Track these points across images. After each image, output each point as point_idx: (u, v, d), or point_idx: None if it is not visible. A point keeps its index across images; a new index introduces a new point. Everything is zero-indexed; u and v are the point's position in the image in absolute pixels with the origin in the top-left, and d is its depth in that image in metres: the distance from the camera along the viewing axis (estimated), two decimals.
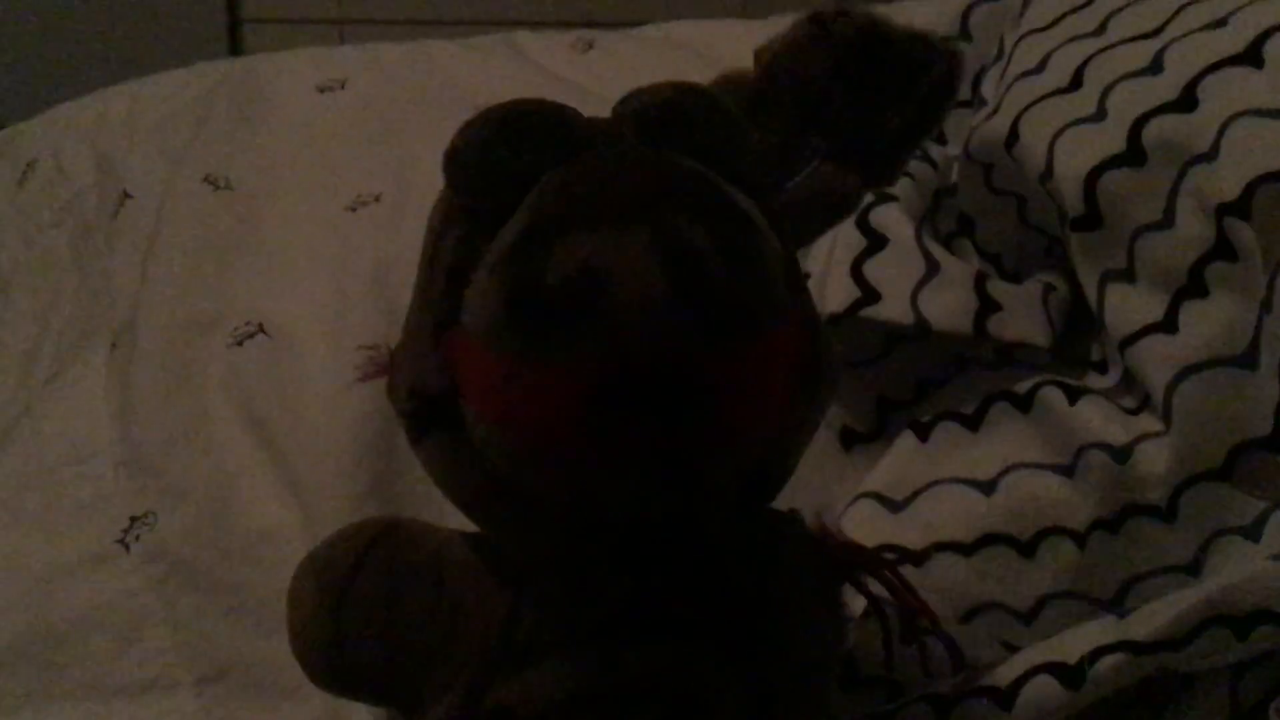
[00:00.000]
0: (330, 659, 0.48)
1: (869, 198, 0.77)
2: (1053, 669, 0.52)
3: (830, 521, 0.55)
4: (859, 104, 0.54)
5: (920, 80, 0.55)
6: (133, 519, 0.74)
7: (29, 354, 0.96)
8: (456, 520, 0.50)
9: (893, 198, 0.77)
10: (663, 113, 0.44)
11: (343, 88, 1.12)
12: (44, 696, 0.65)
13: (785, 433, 0.46)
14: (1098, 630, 0.53)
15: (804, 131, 0.54)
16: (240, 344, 0.84)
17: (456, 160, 0.43)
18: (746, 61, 0.56)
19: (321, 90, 1.12)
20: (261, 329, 0.84)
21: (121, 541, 0.72)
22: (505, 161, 0.42)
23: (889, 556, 0.56)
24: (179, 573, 0.70)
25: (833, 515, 0.68)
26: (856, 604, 0.62)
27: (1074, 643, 0.53)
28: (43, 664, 0.66)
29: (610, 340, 0.38)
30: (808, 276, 0.76)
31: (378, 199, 0.94)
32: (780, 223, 0.46)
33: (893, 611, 0.56)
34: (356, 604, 0.47)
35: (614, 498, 0.42)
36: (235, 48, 2.73)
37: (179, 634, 0.68)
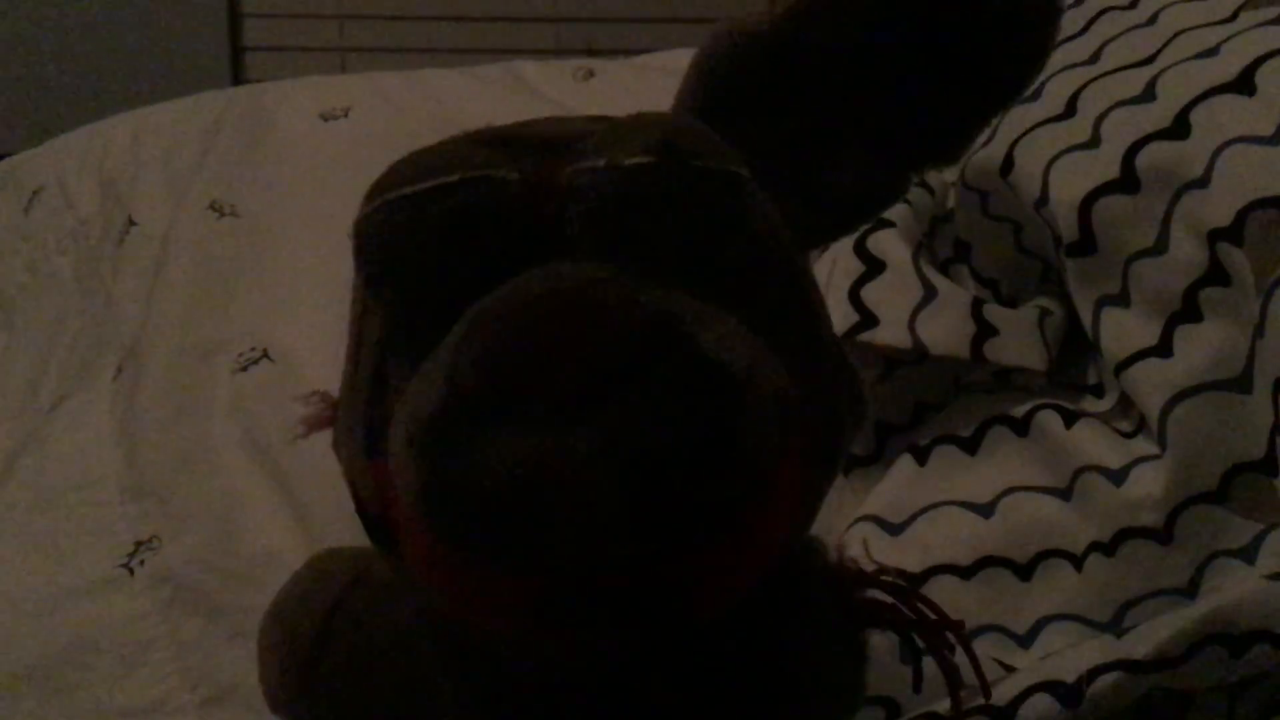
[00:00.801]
0: None
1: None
2: (1051, 688, 0.52)
3: (849, 552, 0.48)
4: (905, 69, 0.41)
5: (992, 35, 0.41)
6: (138, 543, 0.74)
7: (34, 380, 0.97)
8: None
9: (890, 224, 0.77)
10: (623, 210, 0.35)
11: (346, 116, 1.13)
12: None
13: (805, 518, 0.40)
14: (1096, 649, 0.53)
15: (836, 111, 0.42)
16: (245, 369, 0.84)
17: (360, 243, 0.36)
18: None
19: (325, 119, 1.13)
20: (266, 354, 0.85)
21: (126, 566, 0.73)
22: (414, 256, 0.35)
23: (899, 582, 0.49)
24: (183, 596, 0.70)
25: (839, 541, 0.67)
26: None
27: (1072, 661, 0.53)
28: (49, 688, 0.66)
29: (551, 561, 0.31)
30: None
31: None
32: (789, 284, 0.39)
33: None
34: (325, 679, 0.45)
35: (573, 667, 0.38)
36: (238, 75, 2.75)
37: (183, 657, 0.68)
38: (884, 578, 0.47)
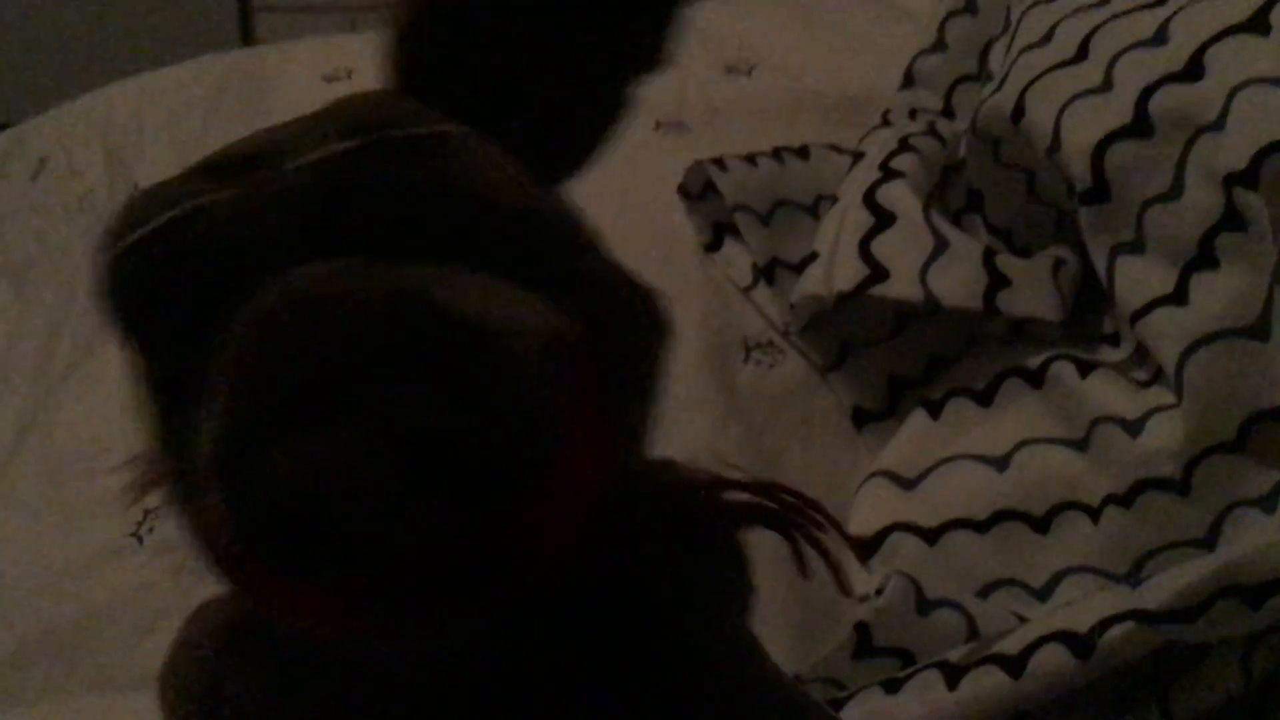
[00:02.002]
0: None
1: (875, 174, 0.77)
2: (1063, 638, 0.52)
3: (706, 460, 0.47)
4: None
5: None
6: (146, 512, 0.74)
7: (45, 349, 0.97)
8: None
9: (900, 174, 0.76)
10: (331, 201, 0.35)
11: (349, 77, 1.12)
12: (60, 690, 0.66)
13: (617, 449, 0.39)
14: (1109, 600, 0.53)
15: (529, 40, 0.41)
16: None
17: (107, 306, 0.36)
18: None
19: (329, 80, 1.12)
20: None
21: (135, 534, 0.73)
22: (163, 308, 0.35)
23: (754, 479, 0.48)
24: (191, 565, 0.70)
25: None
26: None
27: (1084, 613, 0.53)
28: (58, 658, 0.67)
29: (359, 555, 0.31)
30: (813, 256, 0.76)
31: None
32: (533, 218, 0.38)
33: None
34: None
35: (417, 648, 0.38)
36: (247, 36, 2.74)
37: None
38: (740, 476, 0.47)
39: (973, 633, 0.60)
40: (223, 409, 0.32)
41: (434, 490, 0.31)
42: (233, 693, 0.43)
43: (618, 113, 0.43)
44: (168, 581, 0.69)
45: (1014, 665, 0.53)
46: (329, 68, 1.13)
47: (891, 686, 0.56)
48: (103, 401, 0.85)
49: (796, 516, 0.47)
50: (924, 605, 0.61)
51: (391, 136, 0.35)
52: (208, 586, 0.69)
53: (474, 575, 0.33)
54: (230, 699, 0.43)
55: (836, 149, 0.89)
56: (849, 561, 0.58)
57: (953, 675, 0.54)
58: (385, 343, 0.31)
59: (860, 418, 0.75)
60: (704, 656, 0.43)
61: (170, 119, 1.13)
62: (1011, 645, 0.54)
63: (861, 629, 0.60)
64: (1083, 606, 0.54)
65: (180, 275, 0.34)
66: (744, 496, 0.47)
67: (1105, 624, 0.52)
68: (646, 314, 0.41)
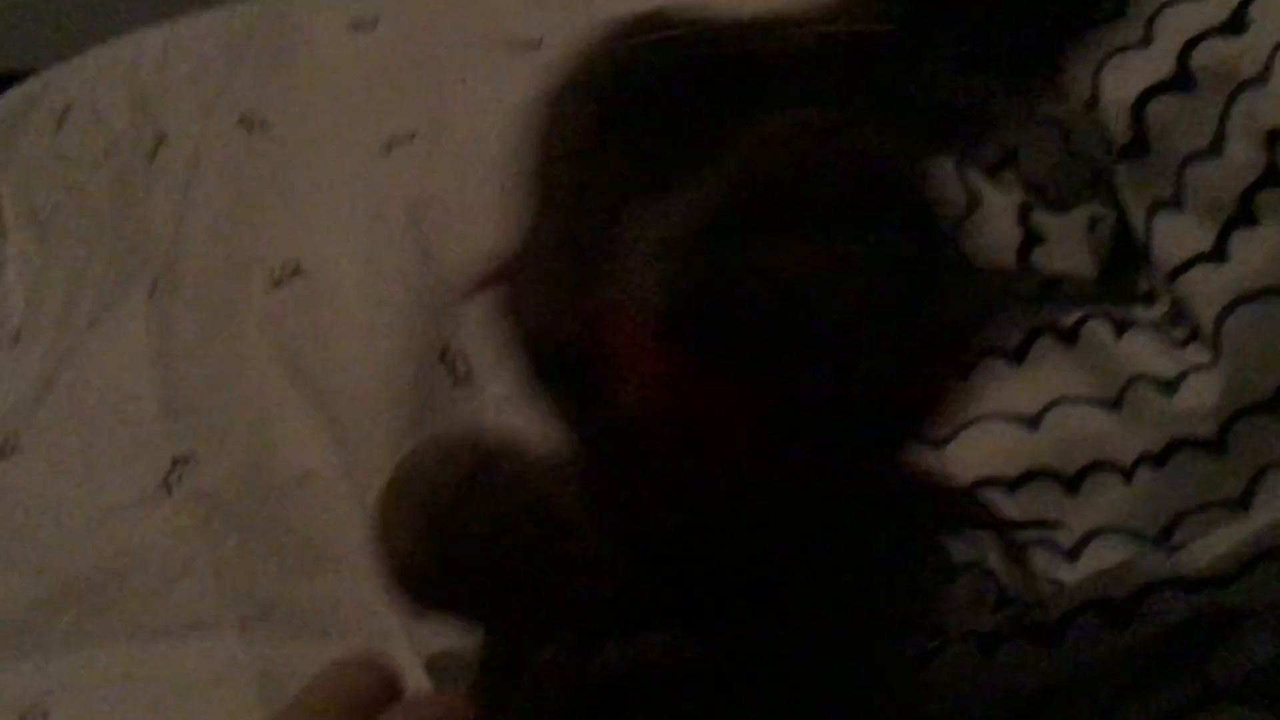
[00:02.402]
0: (431, 593, 0.46)
1: None
2: (1099, 605, 0.52)
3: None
4: None
5: None
6: (174, 461, 0.74)
7: (70, 298, 0.97)
8: None
9: None
10: (839, 59, 0.37)
11: (375, 25, 1.11)
12: (88, 638, 0.66)
13: None
14: (1145, 567, 0.52)
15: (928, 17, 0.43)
16: (277, 285, 0.84)
17: (590, 90, 0.38)
18: None
19: (355, 28, 1.11)
20: (298, 270, 0.84)
21: (164, 484, 0.73)
22: (646, 106, 0.37)
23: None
24: (220, 514, 0.71)
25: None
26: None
27: (1122, 579, 0.52)
28: (88, 603, 0.67)
29: (816, 371, 0.32)
30: None
31: (412, 137, 0.93)
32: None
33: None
34: (464, 544, 0.44)
35: (768, 503, 0.39)
36: None
37: (222, 575, 0.68)
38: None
39: (1003, 599, 0.60)
40: (714, 189, 0.33)
41: (908, 326, 0.32)
42: (474, 514, 0.43)
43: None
44: (196, 531, 0.70)
45: (1050, 635, 0.53)
46: (354, 16, 1.12)
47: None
48: (127, 351, 0.85)
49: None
50: (951, 570, 0.61)
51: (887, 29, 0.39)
52: (236, 536, 0.70)
53: (878, 428, 0.35)
54: (470, 520, 0.43)
55: None
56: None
57: (987, 647, 0.54)
58: (886, 196, 0.33)
59: None
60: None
61: (195, 67, 1.13)
62: (1047, 614, 0.54)
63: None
64: (1118, 573, 0.54)
65: (675, 82, 0.36)
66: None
67: (1144, 591, 0.52)
68: None
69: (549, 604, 0.44)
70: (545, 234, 0.40)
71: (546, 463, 0.45)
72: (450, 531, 0.44)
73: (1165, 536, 0.61)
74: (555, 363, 0.39)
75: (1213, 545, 0.51)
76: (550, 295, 0.39)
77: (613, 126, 0.37)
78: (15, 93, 1.26)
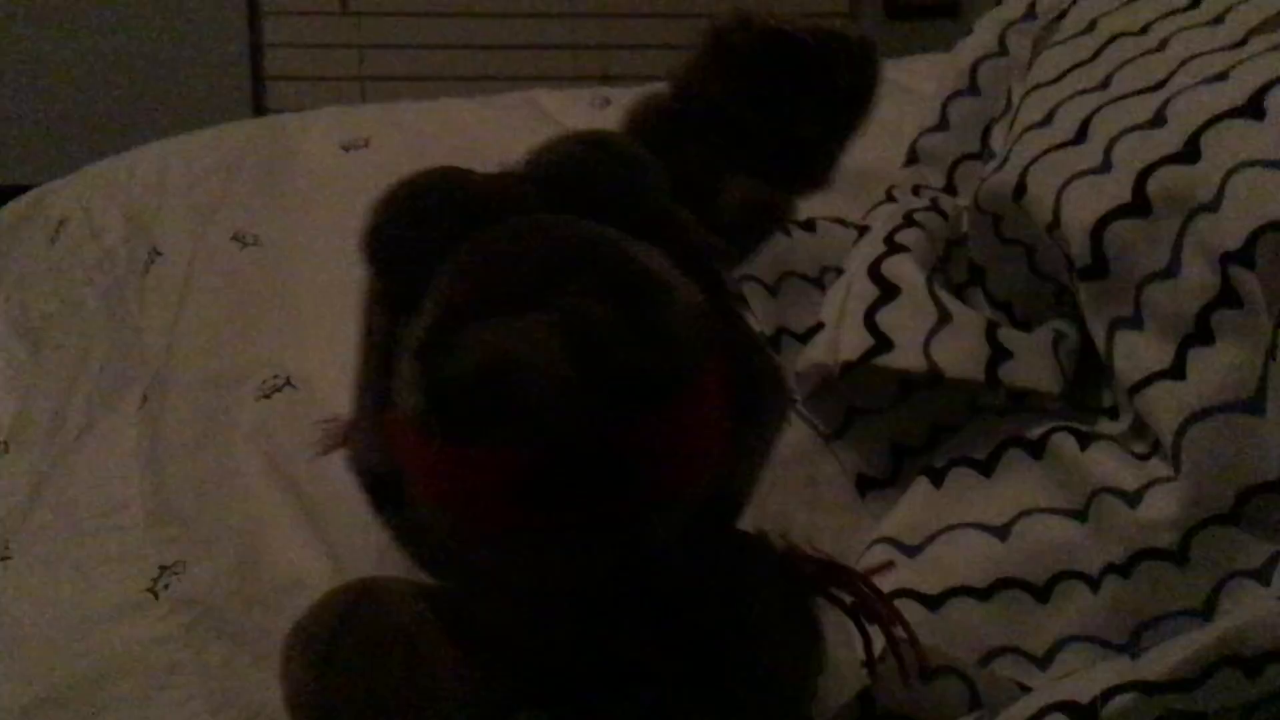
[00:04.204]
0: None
1: (880, 248, 0.79)
2: (1066, 708, 0.53)
3: (799, 538, 0.54)
4: (772, 117, 0.52)
5: (831, 80, 0.53)
6: (162, 568, 0.75)
7: (60, 408, 0.98)
8: None
9: (904, 248, 0.78)
10: (564, 173, 0.45)
11: (367, 146, 1.14)
12: None
13: (731, 462, 0.47)
14: (1110, 671, 0.54)
15: (723, 150, 0.52)
16: (268, 396, 0.85)
17: (371, 245, 0.45)
18: None
19: (346, 149, 1.14)
20: (289, 382, 0.86)
21: (151, 590, 0.74)
22: (413, 242, 0.44)
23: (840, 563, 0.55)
24: (208, 620, 0.71)
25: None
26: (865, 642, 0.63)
27: (1086, 683, 0.53)
28: (74, 711, 0.67)
29: (524, 427, 0.39)
30: (819, 326, 0.78)
31: None
32: (699, 258, 0.47)
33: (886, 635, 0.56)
34: (336, 678, 0.48)
35: (554, 569, 0.43)
36: (259, 104, 2.78)
37: (208, 681, 0.68)
38: (822, 557, 0.55)
39: (974, 701, 0.61)
40: (439, 298, 0.41)
41: (596, 377, 0.39)
42: (348, 645, 0.48)
43: (777, 219, 0.56)
44: (182, 637, 0.70)
45: None
46: (347, 136, 1.15)
47: None
48: (117, 460, 0.86)
49: (869, 605, 0.54)
50: (927, 673, 0.62)
51: (614, 143, 0.47)
52: (223, 643, 0.71)
53: (614, 477, 0.40)
54: (344, 650, 0.48)
55: (842, 222, 0.91)
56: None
57: None
58: (577, 265, 0.41)
59: (864, 484, 0.76)
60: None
61: (189, 184, 1.15)
62: (1014, 716, 0.55)
63: (865, 696, 0.61)
64: (1084, 677, 0.55)
65: (430, 217, 0.44)
66: (821, 575, 0.54)
67: (1107, 695, 0.53)
68: (772, 373, 0.50)
69: None
70: (361, 383, 0.48)
71: (418, 590, 0.50)
72: (328, 660, 0.48)
73: (1132, 644, 0.62)
74: (379, 492, 0.47)
75: (1175, 650, 0.52)
76: (365, 421, 0.47)
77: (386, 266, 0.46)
78: (11, 206, 1.28)
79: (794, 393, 0.51)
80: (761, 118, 0.52)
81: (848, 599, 0.54)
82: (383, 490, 0.46)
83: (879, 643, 0.57)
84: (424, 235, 0.44)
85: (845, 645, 0.54)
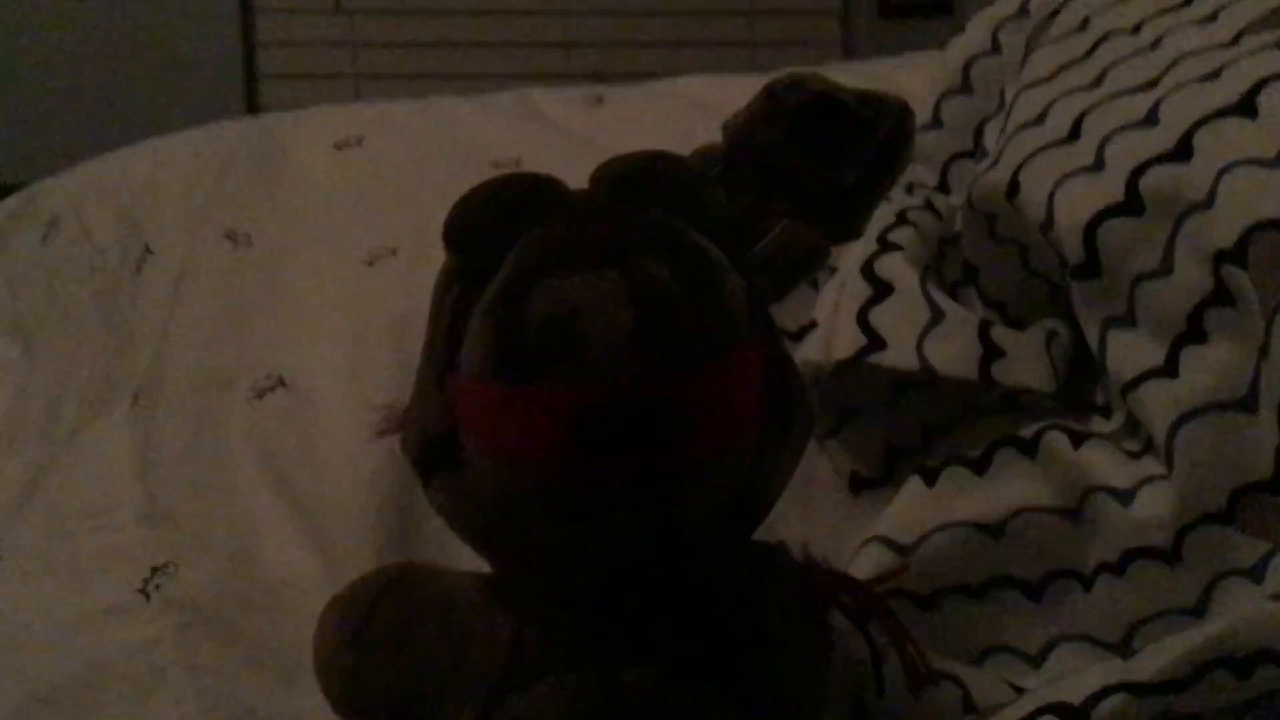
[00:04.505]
0: (350, 689, 0.52)
1: (873, 246, 0.79)
2: (1058, 710, 0.53)
3: (817, 553, 0.57)
4: (815, 166, 0.58)
5: (870, 138, 0.59)
6: (154, 569, 0.75)
7: (52, 408, 0.98)
8: (473, 566, 0.53)
9: (897, 247, 0.78)
10: (632, 174, 0.49)
11: (360, 145, 1.14)
12: None
13: (759, 460, 0.49)
14: (1102, 672, 0.54)
15: (769, 195, 0.57)
16: (261, 397, 0.85)
17: (454, 228, 0.48)
18: None
19: (339, 148, 1.14)
20: (281, 382, 0.85)
21: (142, 591, 0.73)
22: (494, 225, 0.47)
23: (880, 590, 0.59)
24: (199, 622, 0.71)
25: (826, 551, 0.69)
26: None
27: (1078, 684, 0.53)
28: (65, 713, 0.67)
29: (586, 371, 0.42)
30: (813, 325, 0.78)
31: (394, 253, 0.96)
32: (743, 267, 0.50)
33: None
34: (372, 638, 0.51)
35: (598, 529, 0.46)
36: (252, 103, 2.77)
37: (199, 683, 0.68)
38: (839, 573, 0.58)
39: (968, 706, 0.61)
40: (521, 257, 0.45)
41: (655, 332, 0.43)
42: (385, 614, 0.52)
43: (812, 265, 0.59)
44: (174, 638, 0.70)
45: None
46: (340, 135, 1.15)
47: None
48: (108, 461, 0.86)
49: (887, 623, 0.56)
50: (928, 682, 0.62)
51: (679, 159, 0.51)
52: (215, 644, 0.70)
53: (662, 426, 0.43)
54: (381, 617, 0.52)
55: None
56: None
57: None
58: (642, 237, 0.45)
59: (857, 484, 0.76)
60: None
61: (182, 183, 1.15)
62: (1008, 718, 0.55)
63: (857, 701, 0.61)
64: (1076, 678, 0.55)
65: (511, 206, 0.48)
66: (832, 586, 0.57)
67: (1099, 696, 0.53)
68: (801, 390, 0.52)
69: (453, 686, 0.50)
70: (426, 353, 0.51)
71: (456, 572, 0.54)
72: (359, 637, 0.52)
73: (1125, 644, 0.62)
74: (432, 453, 0.49)
75: (1167, 651, 0.52)
76: (425, 392, 0.50)
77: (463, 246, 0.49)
78: (3, 204, 1.27)
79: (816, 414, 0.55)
80: (805, 167, 0.58)
81: (859, 613, 0.57)
82: (437, 455, 0.48)
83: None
84: (503, 218, 0.47)
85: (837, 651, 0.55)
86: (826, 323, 0.77)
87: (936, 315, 0.73)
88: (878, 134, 0.59)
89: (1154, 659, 0.52)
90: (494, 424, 0.44)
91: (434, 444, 0.48)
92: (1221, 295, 0.60)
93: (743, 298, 0.47)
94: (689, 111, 1.17)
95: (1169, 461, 0.61)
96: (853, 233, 0.62)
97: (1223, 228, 0.59)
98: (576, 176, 0.51)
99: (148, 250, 1.07)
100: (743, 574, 0.53)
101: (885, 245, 0.78)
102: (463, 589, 0.52)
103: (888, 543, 0.70)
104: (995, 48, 0.95)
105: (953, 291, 0.80)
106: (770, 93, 0.59)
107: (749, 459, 0.48)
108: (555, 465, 0.44)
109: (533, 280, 0.44)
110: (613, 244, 0.45)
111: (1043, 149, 0.72)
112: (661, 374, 0.43)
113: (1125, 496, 0.63)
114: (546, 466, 0.44)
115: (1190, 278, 0.61)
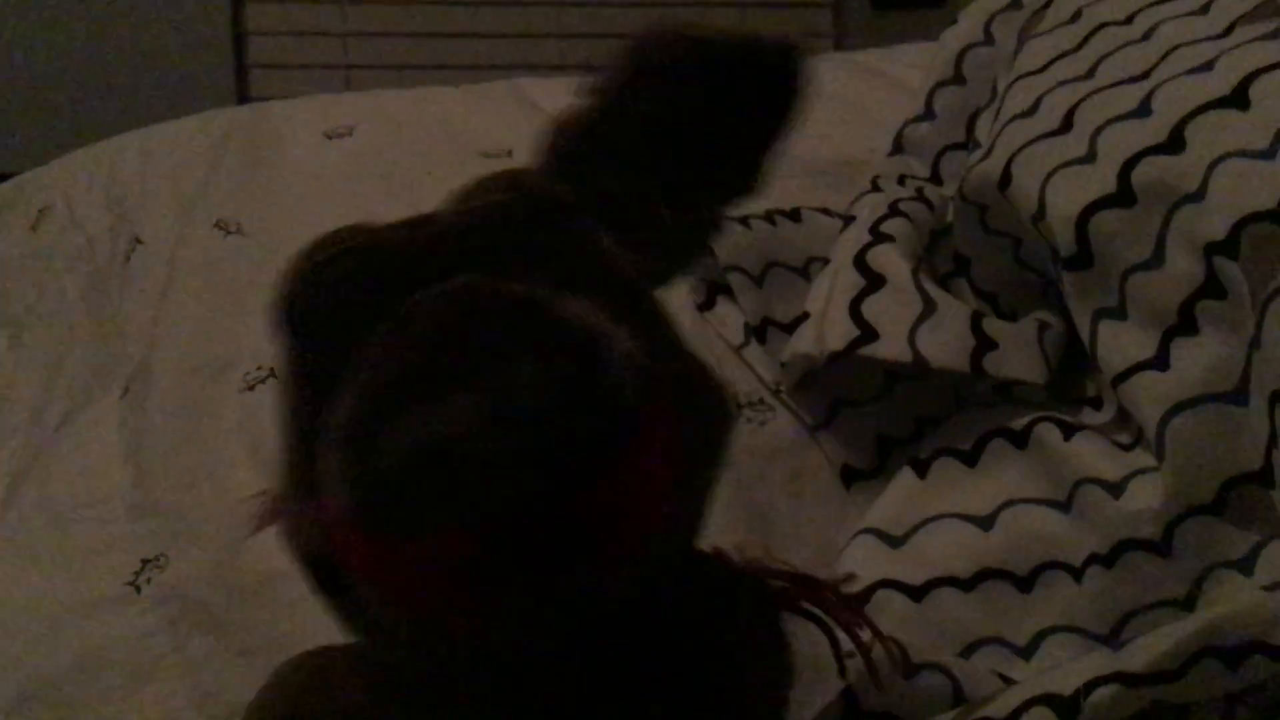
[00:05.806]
0: None
1: (865, 238, 0.79)
2: (1049, 701, 0.53)
3: (757, 551, 0.54)
4: (698, 124, 0.51)
5: (757, 85, 0.51)
6: (144, 561, 0.74)
7: (41, 398, 0.97)
8: None
9: (890, 238, 0.78)
10: (485, 226, 0.44)
11: (351, 134, 1.14)
12: None
13: (681, 502, 0.45)
14: (1093, 662, 0.54)
15: (651, 164, 0.50)
16: (251, 388, 0.85)
17: (281, 315, 0.43)
18: None
19: (330, 137, 1.14)
20: (273, 373, 0.85)
21: (133, 584, 0.73)
22: (326, 314, 0.42)
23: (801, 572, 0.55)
24: (190, 614, 0.71)
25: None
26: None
27: (1069, 675, 0.53)
28: (56, 705, 0.67)
29: (464, 516, 0.37)
30: (805, 316, 0.77)
31: None
32: (633, 292, 0.46)
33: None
34: None
35: (507, 642, 0.42)
36: (242, 92, 2.77)
37: (190, 675, 0.68)
38: (784, 568, 0.54)
39: (958, 696, 0.61)
40: (361, 381, 0.39)
41: (531, 454, 0.36)
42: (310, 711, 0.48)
43: (709, 233, 0.54)
44: (165, 631, 0.70)
45: None
46: (330, 124, 1.14)
47: None
48: (98, 451, 0.85)
49: (836, 613, 0.53)
50: (910, 669, 0.62)
51: (537, 195, 0.45)
52: (206, 636, 0.70)
53: (557, 551, 0.38)
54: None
55: (827, 212, 0.90)
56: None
57: None
58: (501, 335, 0.38)
59: (849, 476, 0.76)
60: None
61: (172, 171, 1.15)
62: (998, 709, 0.55)
63: (848, 694, 0.61)
64: (1067, 668, 0.55)
65: (346, 285, 0.42)
66: (785, 587, 0.53)
67: (1089, 686, 0.53)
68: (716, 399, 0.47)
69: None
70: (286, 465, 0.45)
71: (347, 656, 0.50)
72: None
73: (1115, 635, 0.62)
74: (318, 575, 0.44)
75: (1157, 641, 0.52)
76: (297, 512, 0.44)
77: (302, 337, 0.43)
78: None
79: (738, 408, 0.49)
80: (685, 129, 0.50)
81: (814, 608, 0.54)
82: (321, 573, 0.43)
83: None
84: (340, 305, 0.42)
85: (826, 644, 0.54)
86: (819, 314, 0.76)
87: (929, 307, 0.73)
88: (761, 81, 0.51)
89: (1144, 650, 0.52)
90: (372, 571, 0.40)
91: (315, 564, 0.44)
92: (1213, 287, 0.60)
93: (631, 367, 0.40)
94: None
95: (1159, 453, 0.61)
96: (750, 192, 0.55)
97: (1214, 219, 0.59)
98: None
99: (137, 240, 1.07)
100: (682, 598, 0.48)
101: (878, 236, 0.78)
102: (373, 688, 0.49)
103: (879, 534, 0.70)
104: (988, 39, 0.95)
105: (945, 283, 0.80)
106: (635, 49, 0.51)
107: (670, 520, 0.44)
108: (452, 606, 0.39)
109: (382, 412, 0.37)
110: (467, 357, 0.38)
111: (1035, 140, 0.72)
112: (551, 498, 0.37)
113: (1115, 488, 0.63)
114: (440, 606, 0.39)
115: (1181, 269, 0.61)
